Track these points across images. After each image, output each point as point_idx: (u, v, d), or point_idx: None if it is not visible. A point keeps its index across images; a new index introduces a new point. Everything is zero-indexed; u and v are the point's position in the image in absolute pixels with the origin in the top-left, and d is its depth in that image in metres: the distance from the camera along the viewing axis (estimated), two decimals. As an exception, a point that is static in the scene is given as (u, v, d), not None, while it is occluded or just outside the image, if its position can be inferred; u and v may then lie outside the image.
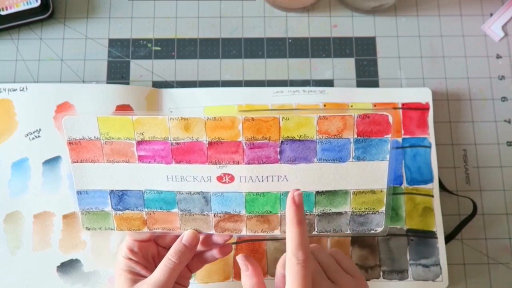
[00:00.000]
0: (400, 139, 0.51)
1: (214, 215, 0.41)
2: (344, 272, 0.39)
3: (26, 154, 0.50)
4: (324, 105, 0.52)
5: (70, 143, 0.40)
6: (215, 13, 0.56)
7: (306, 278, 0.35)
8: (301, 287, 0.35)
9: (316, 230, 0.42)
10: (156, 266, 0.40)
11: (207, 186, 0.40)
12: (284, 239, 0.37)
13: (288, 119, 0.38)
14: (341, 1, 0.57)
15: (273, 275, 0.47)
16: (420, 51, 0.55)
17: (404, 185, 0.50)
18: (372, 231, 0.42)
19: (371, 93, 0.53)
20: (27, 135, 0.50)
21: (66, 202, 0.49)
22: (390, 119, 0.38)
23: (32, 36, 0.55)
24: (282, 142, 0.39)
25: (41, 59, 0.54)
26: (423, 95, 0.52)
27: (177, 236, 0.42)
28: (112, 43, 0.55)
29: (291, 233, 0.37)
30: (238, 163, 0.39)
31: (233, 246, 0.49)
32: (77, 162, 0.40)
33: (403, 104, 0.52)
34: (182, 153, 0.39)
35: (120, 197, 0.41)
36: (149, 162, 0.40)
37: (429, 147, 0.51)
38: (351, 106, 0.52)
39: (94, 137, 0.39)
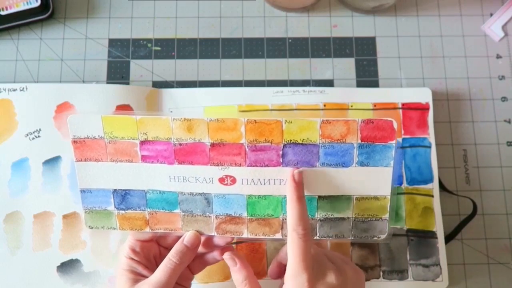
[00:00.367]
0: (400, 139, 0.51)
1: (215, 217, 0.41)
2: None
3: (26, 154, 0.49)
4: (324, 105, 0.52)
5: (74, 141, 0.40)
6: (215, 13, 0.56)
7: (307, 251, 0.36)
8: (302, 260, 0.35)
9: (318, 235, 0.41)
10: (157, 267, 0.40)
11: (209, 187, 0.40)
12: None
13: (291, 122, 0.38)
14: (341, 1, 0.57)
15: (273, 275, 0.47)
16: (420, 51, 0.55)
17: (404, 185, 0.50)
18: (375, 238, 0.41)
19: (371, 93, 0.53)
20: (27, 135, 0.50)
21: (66, 202, 0.49)
22: (395, 125, 0.38)
23: (32, 36, 0.55)
24: (284, 145, 0.39)
25: (41, 59, 0.54)
26: (423, 95, 0.52)
27: (179, 237, 0.42)
28: (112, 43, 0.55)
29: (291, 209, 0.37)
30: (240, 165, 0.39)
31: (233, 246, 0.49)
32: (81, 160, 0.40)
33: (403, 104, 0.52)
34: (184, 154, 0.39)
35: (123, 197, 0.41)
36: (152, 162, 0.40)
37: (429, 147, 0.51)
38: (351, 106, 0.52)
39: (98, 136, 0.39)
